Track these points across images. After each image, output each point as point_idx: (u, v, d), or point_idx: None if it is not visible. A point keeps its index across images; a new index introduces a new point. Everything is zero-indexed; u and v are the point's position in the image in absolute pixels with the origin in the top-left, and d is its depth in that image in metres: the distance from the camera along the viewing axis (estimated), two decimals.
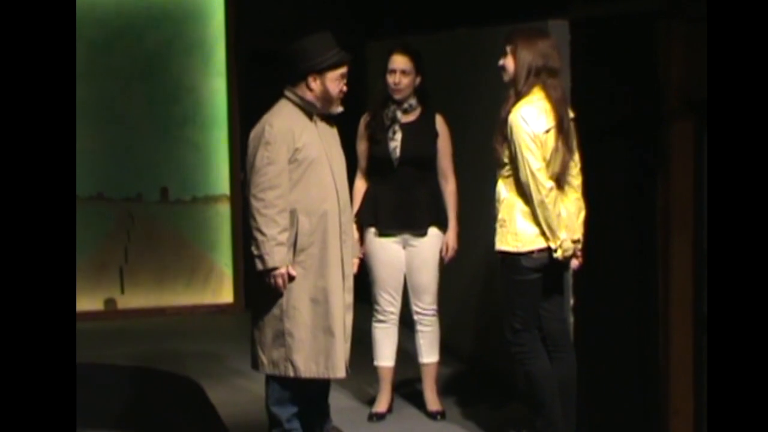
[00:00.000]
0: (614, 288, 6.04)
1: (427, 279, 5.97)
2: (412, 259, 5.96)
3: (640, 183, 5.85)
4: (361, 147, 6.01)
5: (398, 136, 5.90)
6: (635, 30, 5.81)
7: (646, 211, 5.86)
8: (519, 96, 5.17)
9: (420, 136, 5.93)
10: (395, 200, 5.91)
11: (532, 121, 5.12)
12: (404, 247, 5.96)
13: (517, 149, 5.11)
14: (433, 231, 5.95)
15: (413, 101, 5.95)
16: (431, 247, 5.95)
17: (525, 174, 5.11)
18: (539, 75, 5.17)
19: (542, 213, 5.13)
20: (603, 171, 5.65)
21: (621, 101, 5.93)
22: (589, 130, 5.33)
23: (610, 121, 5.90)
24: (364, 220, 5.95)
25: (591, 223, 5.52)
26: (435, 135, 5.97)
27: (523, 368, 5.30)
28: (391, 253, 5.95)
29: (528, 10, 6.09)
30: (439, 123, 6.00)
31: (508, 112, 5.16)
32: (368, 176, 6.02)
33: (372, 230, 5.94)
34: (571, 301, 5.88)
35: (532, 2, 6.20)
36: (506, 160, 5.20)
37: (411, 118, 5.96)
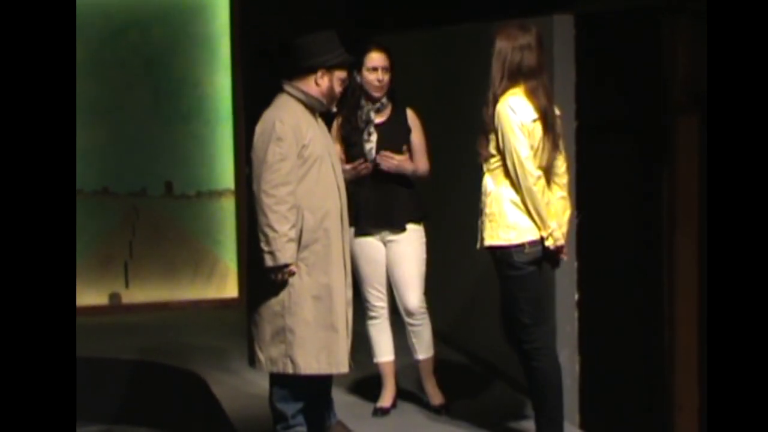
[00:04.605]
0: (619, 283, 6.04)
1: (409, 273, 5.94)
2: (391, 255, 5.95)
3: (645, 177, 5.85)
4: (336, 149, 5.95)
5: (373, 137, 5.90)
6: (640, 25, 5.81)
7: (651, 205, 5.86)
8: (495, 97, 5.10)
9: (394, 135, 5.92)
10: (373, 201, 5.88)
11: (520, 110, 5.05)
12: (385, 244, 5.96)
13: (505, 138, 5.03)
14: (411, 226, 5.94)
15: (384, 100, 5.94)
16: (410, 241, 5.93)
17: (513, 162, 5.02)
18: (514, 77, 5.11)
19: (531, 200, 5.04)
20: (608, 165, 5.65)
21: (626, 96, 5.93)
22: (594, 125, 5.33)
23: (616, 115, 5.90)
24: None
25: (595, 217, 5.52)
26: (408, 131, 5.97)
27: (532, 364, 5.16)
28: (372, 250, 5.93)
29: (533, 4, 6.08)
30: (411, 118, 6.00)
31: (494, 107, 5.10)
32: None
33: (351, 231, 5.88)
34: (576, 296, 5.88)
35: None
36: (493, 152, 5.11)
37: (384, 117, 5.95)
